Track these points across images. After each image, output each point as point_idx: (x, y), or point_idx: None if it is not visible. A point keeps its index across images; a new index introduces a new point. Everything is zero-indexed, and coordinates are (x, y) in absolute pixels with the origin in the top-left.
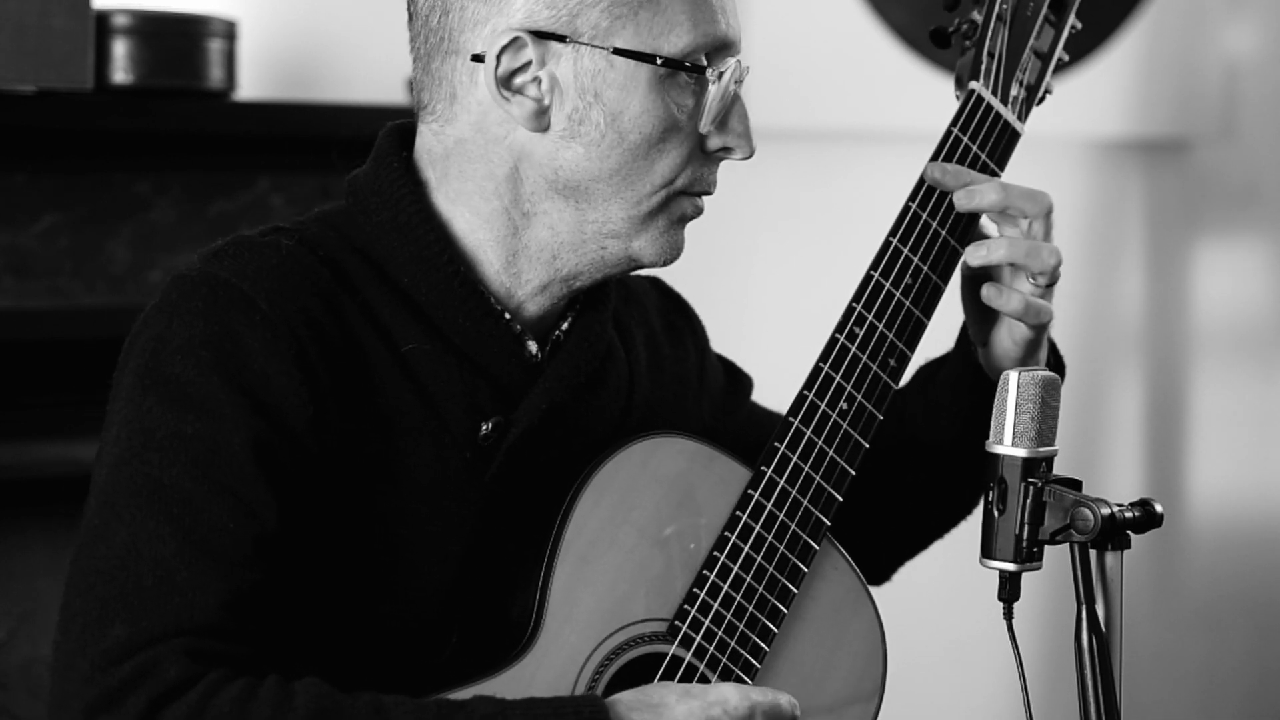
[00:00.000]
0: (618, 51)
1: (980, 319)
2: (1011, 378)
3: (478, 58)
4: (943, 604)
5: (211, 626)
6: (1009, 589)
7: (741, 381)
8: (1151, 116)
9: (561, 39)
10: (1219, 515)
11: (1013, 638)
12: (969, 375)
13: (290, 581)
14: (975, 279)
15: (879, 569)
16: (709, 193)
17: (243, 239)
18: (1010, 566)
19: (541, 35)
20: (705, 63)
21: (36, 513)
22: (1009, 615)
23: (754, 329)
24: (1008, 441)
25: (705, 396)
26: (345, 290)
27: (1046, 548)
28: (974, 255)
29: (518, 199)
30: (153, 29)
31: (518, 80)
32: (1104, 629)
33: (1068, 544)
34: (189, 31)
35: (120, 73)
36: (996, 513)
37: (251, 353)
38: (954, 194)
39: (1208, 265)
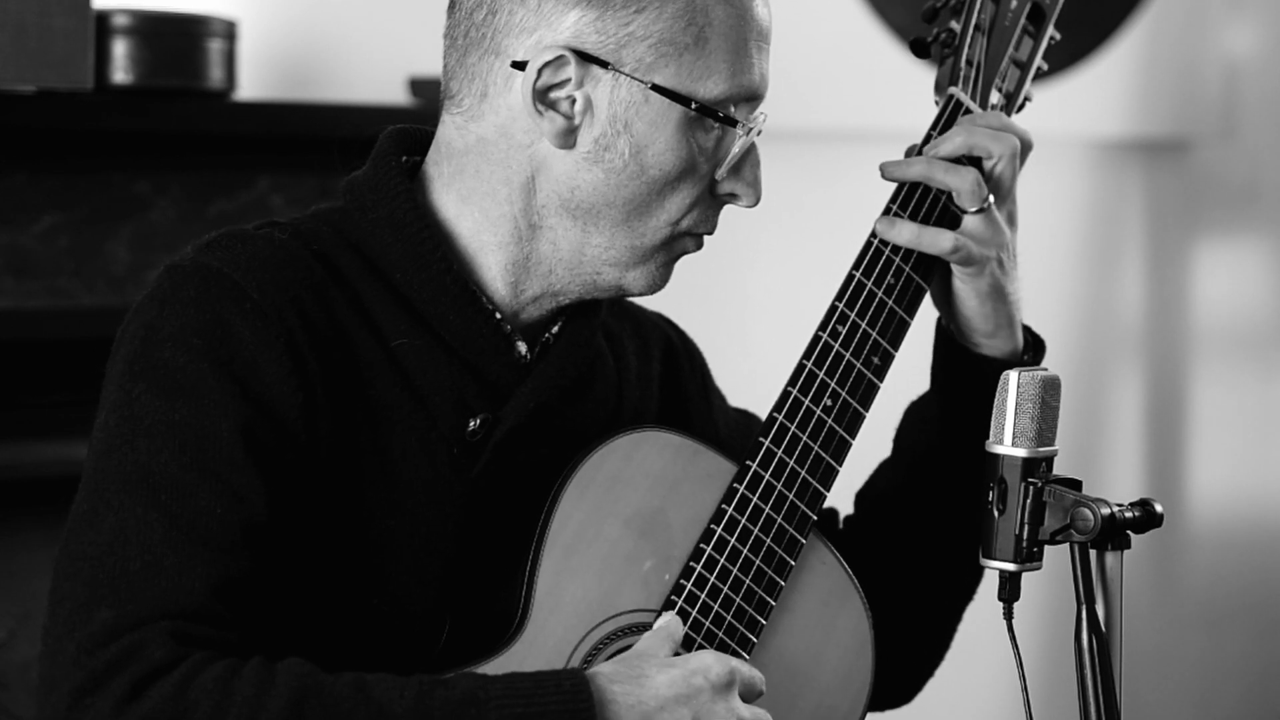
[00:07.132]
0: (656, 88)
1: (943, 292)
2: (1011, 378)
3: (518, 65)
4: None
5: (197, 611)
6: (1009, 589)
7: (754, 429)
8: (1151, 116)
9: (604, 64)
10: (1219, 515)
11: (1013, 638)
12: (949, 356)
13: (280, 570)
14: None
15: (907, 681)
16: (710, 233)
17: (236, 231)
18: (1010, 566)
19: (586, 57)
20: (734, 112)
21: (36, 513)
22: (1009, 615)
23: (754, 329)
24: (1008, 441)
25: (718, 420)
26: (337, 284)
27: (1046, 548)
28: (891, 170)
29: (528, 209)
30: (153, 29)
31: (553, 95)
32: (1104, 629)
33: (1068, 544)
34: (189, 31)
35: (120, 73)
36: (996, 513)
37: (242, 341)
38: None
39: (1208, 265)
